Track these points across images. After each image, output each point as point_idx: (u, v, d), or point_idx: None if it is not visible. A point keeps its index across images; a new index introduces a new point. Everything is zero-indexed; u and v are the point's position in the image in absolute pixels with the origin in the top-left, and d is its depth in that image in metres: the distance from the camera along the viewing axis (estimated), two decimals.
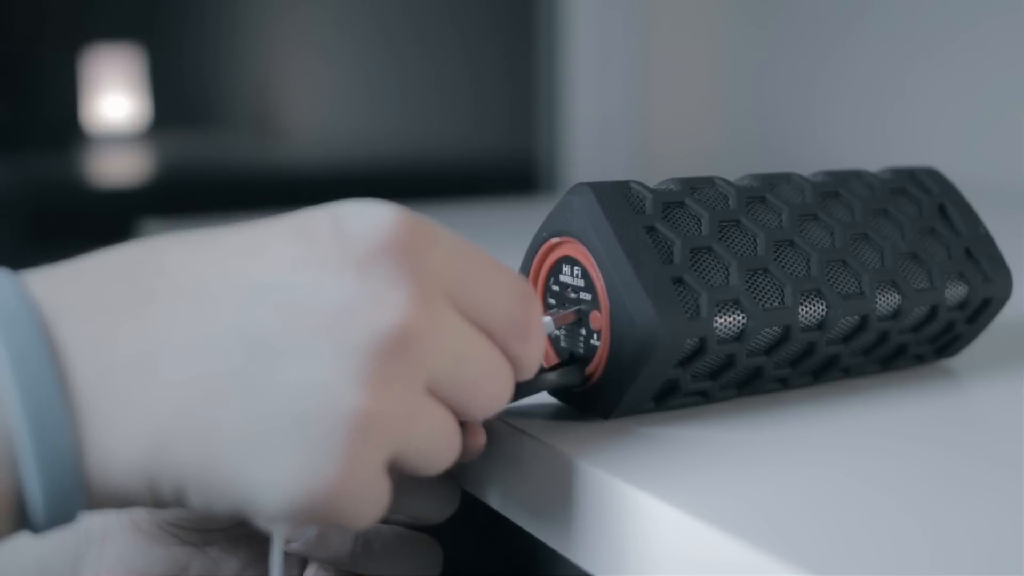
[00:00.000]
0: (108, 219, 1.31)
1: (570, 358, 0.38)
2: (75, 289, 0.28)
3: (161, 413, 0.27)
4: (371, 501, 0.29)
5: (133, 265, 0.29)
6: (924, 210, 0.44)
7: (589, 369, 0.37)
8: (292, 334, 0.28)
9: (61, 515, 0.28)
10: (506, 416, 0.38)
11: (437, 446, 0.31)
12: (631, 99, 1.56)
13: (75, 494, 0.27)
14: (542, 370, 0.36)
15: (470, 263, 0.32)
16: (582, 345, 0.38)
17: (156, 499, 0.28)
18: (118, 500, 0.28)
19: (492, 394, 0.32)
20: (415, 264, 0.30)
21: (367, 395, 0.28)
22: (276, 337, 0.28)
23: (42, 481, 0.27)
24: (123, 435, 0.27)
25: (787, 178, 0.41)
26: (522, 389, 0.36)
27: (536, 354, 0.34)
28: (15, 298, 0.27)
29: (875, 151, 1.29)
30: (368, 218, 0.30)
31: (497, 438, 0.38)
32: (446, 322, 0.30)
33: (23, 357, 0.26)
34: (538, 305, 0.34)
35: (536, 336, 0.33)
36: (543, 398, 0.40)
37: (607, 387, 0.37)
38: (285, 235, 0.30)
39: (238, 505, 0.28)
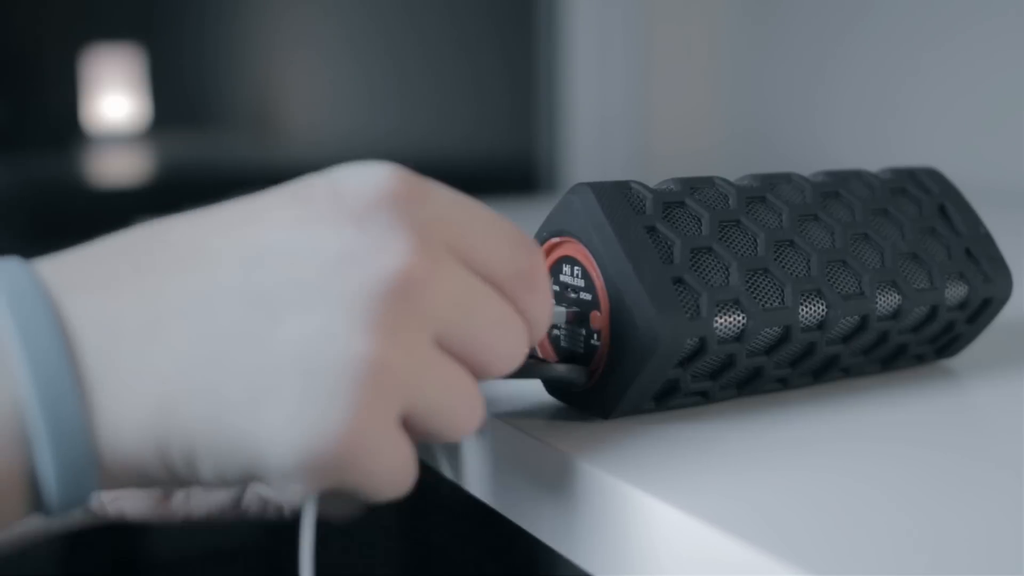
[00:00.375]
0: (108, 219, 1.31)
1: (570, 358, 0.38)
2: (81, 267, 0.29)
3: (167, 375, 0.27)
4: (388, 458, 0.29)
5: (136, 242, 0.30)
6: (924, 210, 0.44)
7: (589, 369, 0.37)
8: (293, 287, 0.28)
9: (74, 492, 0.27)
10: (506, 416, 0.38)
11: (453, 404, 0.31)
12: (631, 99, 1.56)
13: (87, 468, 0.27)
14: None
15: (470, 214, 0.32)
16: (582, 345, 0.38)
17: (168, 468, 0.28)
18: (131, 472, 0.28)
19: (506, 348, 0.32)
20: (413, 215, 0.30)
21: (371, 340, 0.28)
22: (277, 292, 0.28)
23: (54, 453, 0.27)
24: (131, 400, 0.27)
25: (787, 178, 0.41)
26: (531, 370, 0.36)
27: (546, 306, 0.33)
28: (24, 278, 0.28)
29: (875, 151, 1.29)
30: (364, 175, 0.30)
31: (498, 438, 0.38)
32: (448, 270, 0.30)
33: (32, 332, 0.27)
34: (542, 256, 0.33)
35: (544, 287, 0.33)
36: (543, 398, 0.40)
37: (607, 387, 0.37)
38: (283, 200, 0.30)
39: (249, 465, 0.28)
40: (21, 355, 0.26)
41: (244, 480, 0.29)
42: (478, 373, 0.32)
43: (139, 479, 0.29)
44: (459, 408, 0.31)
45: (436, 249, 0.30)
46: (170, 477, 0.29)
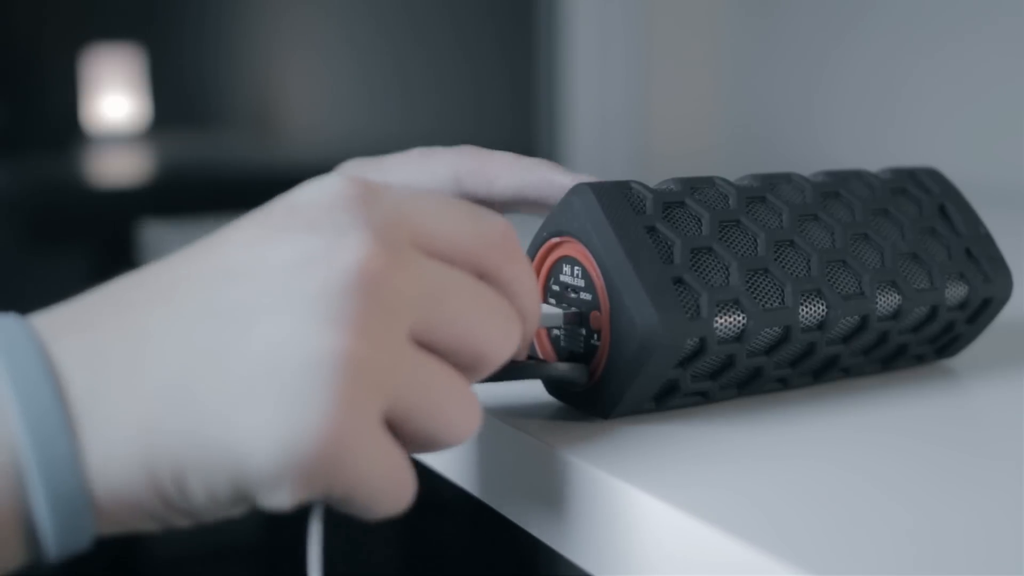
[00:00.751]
0: (108, 219, 1.31)
1: (570, 358, 0.38)
2: (68, 315, 0.30)
3: (147, 400, 0.28)
4: (375, 461, 0.28)
5: (116, 287, 0.31)
6: (924, 210, 0.44)
7: (589, 369, 0.37)
8: (257, 297, 0.28)
9: (71, 534, 0.28)
10: (506, 416, 0.38)
11: (441, 404, 0.30)
12: (631, 99, 1.56)
13: (82, 507, 0.27)
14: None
15: (424, 203, 0.32)
16: (582, 345, 0.38)
17: (161, 496, 0.28)
18: (126, 507, 0.28)
19: (494, 333, 0.31)
20: (368, 214, 0.30)
21: (339, 336, 0.28)
22: (243, 304, 0.28)
23: (47, 494, 0.27)
24: (117, 431, 0.28)
25: (787, 178, 0.41)
26: (531, 370, 0.36)
27: (529, 273, 0.33)
28: (17, 329, 0.29)
29: (875, 151, 1.29)
30: (315, 187, 0.31)
31: (497, 438, 0.38)
32: (410, 260, 0.30)
33: (22, 376, 0.27)
34: (511, 226, 0.33)
35: (520, 254, 0.33)
36: (543, 398, 0.40)
37: (607, 387, 0.37)
38: (243, 224, 0.31)
39: (235, 478, 0.28)
40: (12, 398, 0.27)
41: (236, 499, 0.29)
42: (472, 367, 0.31)
43: (136, 514, 0.29)
44: (448, 408, 0.30)
45: (395, 242, 0.30)
46: (165, 507, 0.29)
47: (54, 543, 0.27)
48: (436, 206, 0.32)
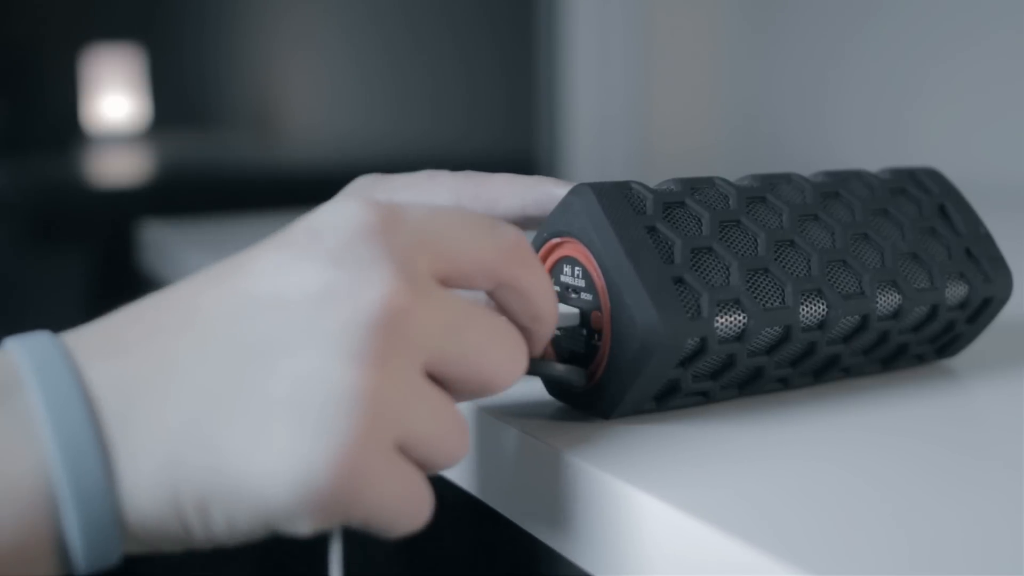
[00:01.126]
0: (108, 219, 1.31)
1: (571, 358, 0.38)
2: (99, 337, 0.30)
3: (172, 431, 0.28)
4: (392, 488, 0.29)
5: (144, 309, 0.31)
6: (924, 210, 0.44)
7: (590, 369, 0.37)
8: (281, 332, 0.29)
9: (101, 553, 0.28)
10: (506, 416, 0.38)
11: (442, 432, 0.31)
12: (631, 99, 1.56)
13: (111, 529, 0.28)
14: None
15: (443, 223, 0.32)
16: (583, 345, 0.38)
17: (184, 525, 0.29)
18: (152, 532, 0.29)
19: (504, 362, 0.32)
20: (390, 244, 0.30)
21: (360, 373, 0.28)
22: (268, 338, 0.29)
23: (79, 515, 0.28)
24: (145, 460, 0.28)
25: (787, 178, 0.41)
26: (530, 366, 0.36)
27: (544, 276, 0.34)
28: (50, 348, 0.29)
29: (876, 151, 1.29)
30: (336, 213, 0.31)
31: (498, 438, 0.38)
32: (431, 294, 0.31)
33: (56, 399, 0.28)
34: (521, 233, 0.34)
35: (534, 260, 0.34)
36: (543, 398, 0.40)
37: (608, 387, 0.37)
38: (267, 248, 0.31)
39: (256, 510, 0.28)
40: (46, 418, 0.28)
41: (257, 528, 0.29)
42: (477, 393, 0.32)
43: (161, 539, 0.30)
44: (448, 436, 0.31)
45: (417, 275, 0.30)
46: (188, 534, 0.29)
47: (84, 561, 0.28)
48: (453, 224, 0.33)
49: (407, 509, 0.30)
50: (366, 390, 0.28)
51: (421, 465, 0.31)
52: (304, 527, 0.29)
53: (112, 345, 0.30)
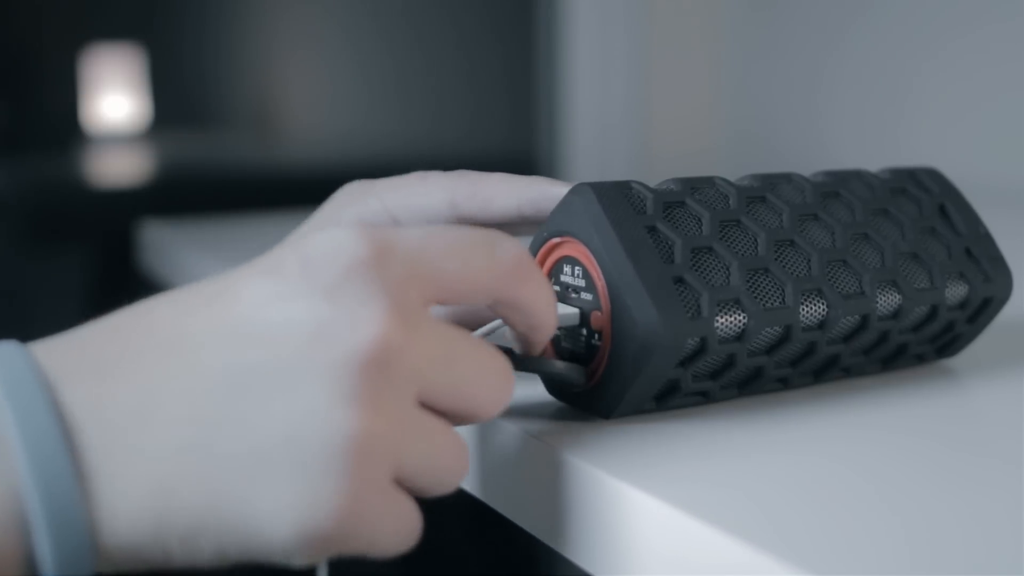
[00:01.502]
0: (108, 219, 1.31)
1: (571, 358, 0.38)
2: (74, 354, 0.29)
3: (160, 462, 0.28)
4: (388, 522, 0.30)
5: (123, 328, 0.30)
6: (924, 210, 0.44)
7: (590, 369, 0.37)
8: (273, 368, 0.29)
9: (71, 569, 0.28)
10: (506, 416, 0.38)
11: (440, 459, 0.31)
12: (631, 99, 1.56)
13: (85, 554, 0.28)
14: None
15: (437, 248, 0.32)
16: (583, 345, 0.38)
17: (164, 550, 0.29)
18: (127, 555, 0.29)
19: (491, 392, 0.32)
20: (383, 277, 0.30)
21: (355, 414, 0.28)
22: (259, 373, 0.29)
23: (52, 541, 0.27)
24: (127, 487, 0.28)
25: (787, 178, 0.41)
26: (529, 363, 0.36)
27: (546, 290, 0.34)
28: (21, 363, 0.28)
29: (875, 151, 1.29)
30: (329, 244, 0.30)
31: (497, 438, 0.38)
32: (425, 328, 0.30)
33: (29, 419, 0.27)
34: (520, 245, 0.33)
35: (535, 272, 0.33)
36: (543, 398, 0.40)
37: (608, 387, 0.37)
38: (256, 275, 0.30)
39: (250, 543, 0.28)
40: (19, 442, 0.27)
41: (245, 559, 0.29)
42: (465, 421, 0.32)
43: (137, 563, 0.29)
44: (446, 462, 0.31)
45: (410, 308, 0.30)
46: (167, 560, 0.29)
47: None
48: (448, 248, 0.32)
49: (400, 537, 0.30)
50: (363, 431, 0.28)
51: (419, 493, 0.31)
52: (299, 562, 0.29)
53: (89, 364, 0.29)
